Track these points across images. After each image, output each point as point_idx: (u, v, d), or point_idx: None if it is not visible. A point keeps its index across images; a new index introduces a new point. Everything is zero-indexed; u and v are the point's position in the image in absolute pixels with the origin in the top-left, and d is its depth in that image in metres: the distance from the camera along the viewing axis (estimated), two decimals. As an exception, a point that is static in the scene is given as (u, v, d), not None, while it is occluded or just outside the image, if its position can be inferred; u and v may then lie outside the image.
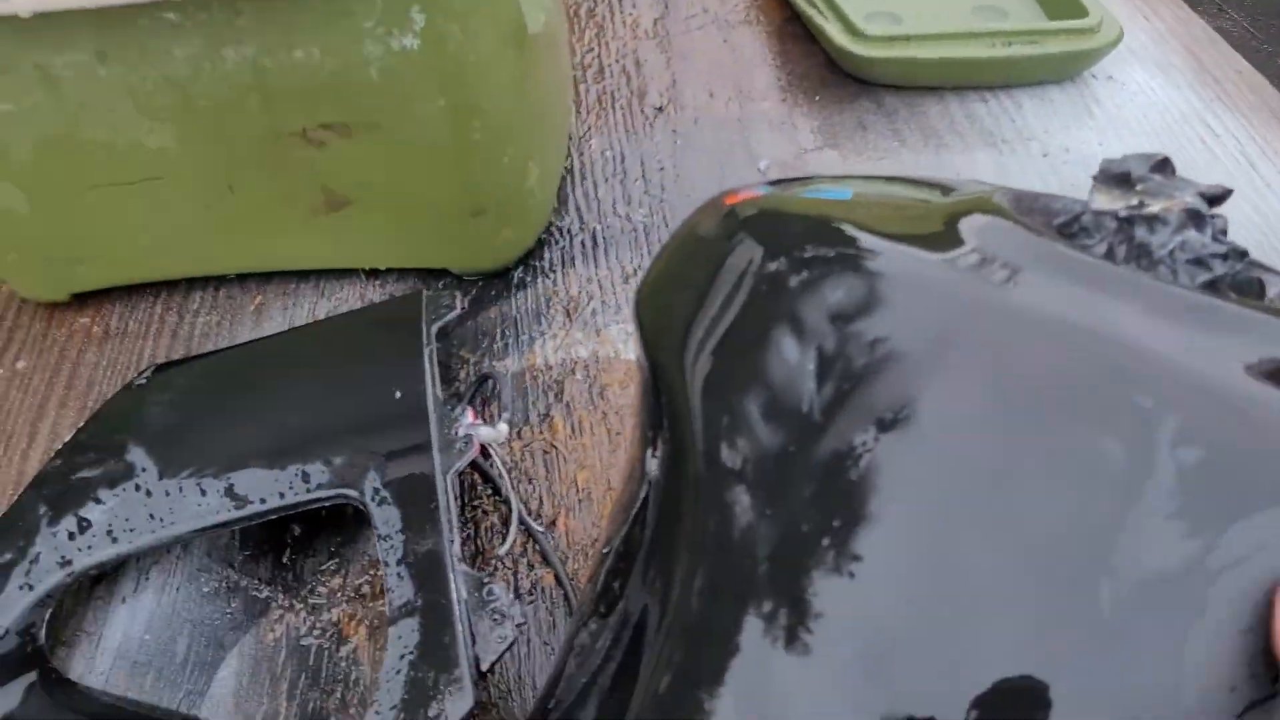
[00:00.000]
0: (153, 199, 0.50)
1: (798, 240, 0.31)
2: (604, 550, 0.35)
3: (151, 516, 0.41)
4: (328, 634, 0.42)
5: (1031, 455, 0.24)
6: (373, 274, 0.56)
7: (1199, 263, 0.29)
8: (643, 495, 0.32)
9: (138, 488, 0.42)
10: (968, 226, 0.29)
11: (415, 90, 0.46)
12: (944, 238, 0.29)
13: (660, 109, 0.66)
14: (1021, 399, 0.25)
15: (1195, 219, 0.30)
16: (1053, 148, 0.63)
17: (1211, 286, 0.29)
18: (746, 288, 0.30)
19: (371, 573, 0.44)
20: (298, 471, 0.42)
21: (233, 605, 0.43)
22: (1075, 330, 0.25)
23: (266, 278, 0.56)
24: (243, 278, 0.57)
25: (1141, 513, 0.22)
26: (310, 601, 0.43)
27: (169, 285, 0.57)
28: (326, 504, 0.41)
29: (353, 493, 0.41)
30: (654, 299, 0.35)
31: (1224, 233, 0.30)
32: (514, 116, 0.50)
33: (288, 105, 0.47)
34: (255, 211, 0.51)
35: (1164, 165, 0.32)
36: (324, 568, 0.44)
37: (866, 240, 0.29)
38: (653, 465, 0.32)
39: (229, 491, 0.41)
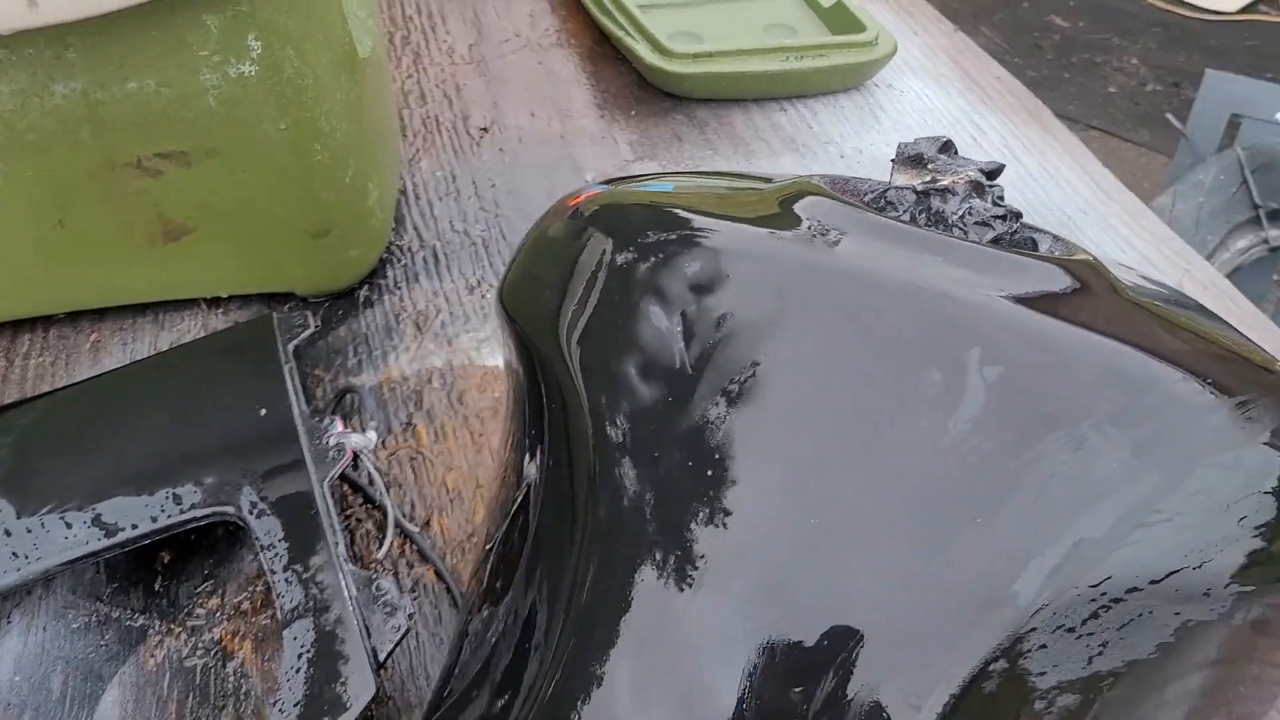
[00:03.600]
0: (-22, 238, 0.49)
1: (642, 226, 0.34)
2: (486, 547, 0.37)
3: (15, 555, 0.41)
4: (212, 653, 0.42)
5: (872, 390, 0.28)
6: (214, 303, 0.56)
7: (984, 224, 0.34)
8: (520, 497, 0.35)
9: (-4, 528, 0.41)
10: (796, 205, 0.34)
11: (255, 115, 0.47)
12: (777, 215, 0.33)
13: (485, 130, 0.69)
14: (858, 343, 0.29)
15: (978, 189, 0.35)
16: (848, 150, 0.70)
17: (996, 242, 0.34)
18: (605, 274, 0.33)
19: (250, 589, 0.44)
20: (168, 495, 0.42)
21: (107, 637, 0.43)
22: (897, 281, 0.29)
23: (100, 314, 0.56)
24: (74, 315, 0.56)
25: (962, 427, 0.27)
26: (189, 624, 0.43)
27: (-6, 329, 0.55)
28: (202, 523, 0.41)
29: (229, 509, 0.41)
30: (520, 299, 0.38)
31: (1001, 199, 0.36)
32: (352, 137, 0.51)
33: (122, 136, 0.47)
34: (89, 245, 0.51)
35: (948, 146, 0.38)
36: (200, 590, 0.44)
37: (706, 220, 0.33)
38: (531, 469, 0.34)
39: (97, 521, 0.41)
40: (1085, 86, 2.81)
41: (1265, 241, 1.47)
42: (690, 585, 0.27)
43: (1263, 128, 1.56)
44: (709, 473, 0.28)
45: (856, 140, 0.71)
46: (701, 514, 0.27)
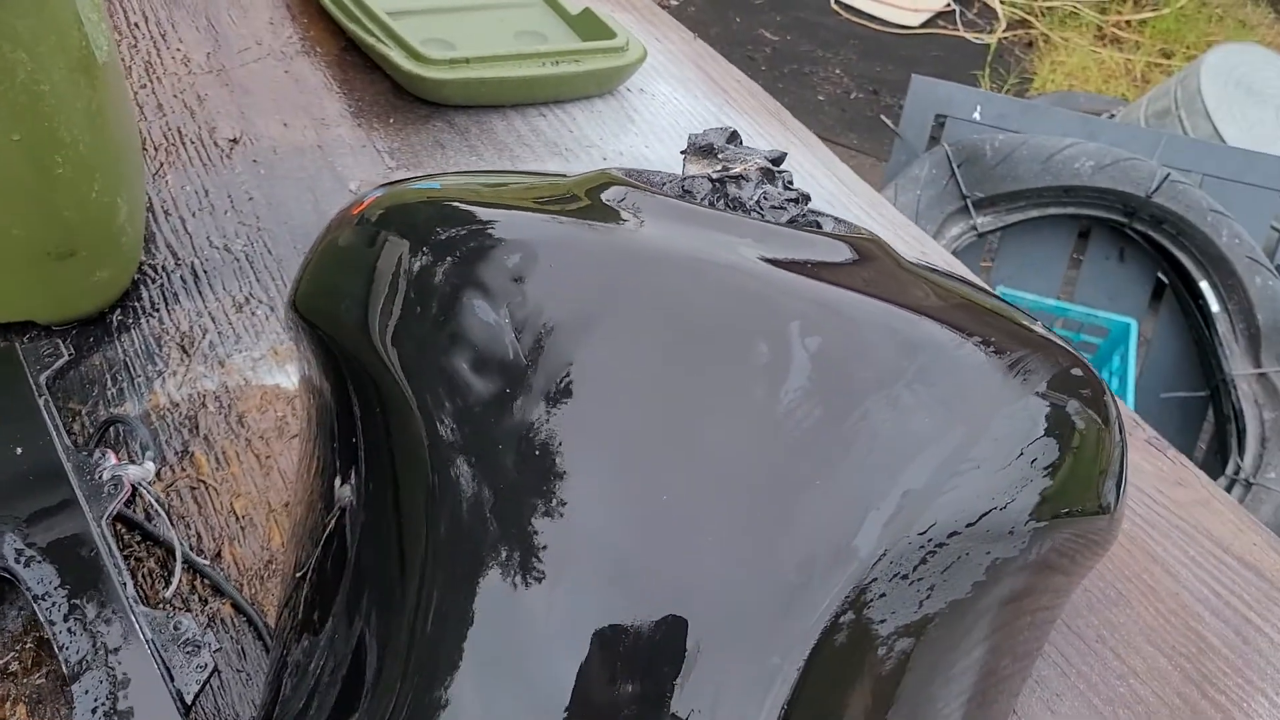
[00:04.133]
0: None
1: (443, 222, 0.34)
2: (297, 575, 0.35)
3: None
4: (-21, 724, 0.37)
5: (704, 368, 0.29)
6: (-63, 338, 0.50)
7: (779, 208, 0.36)
8: (333, 521, 0.33)
9: None
10: (604, 194, 0.34)
11: (-17, 126, 0.43)
12: (588, 205, 0.33)
13: (235, 141, 0.65)
14: (687, 325, 0.30)
15: (769, 175, 0.37)
16: (609, 152, 0.71)
17: (790, 223, 0.36)
18: (416, 273, 0.32)
19: (18, 647, 0.40)
20: (-89, 552, 0.37)
21: None
22: (719, 263, 0.30)
23: None
24: None
25: (790, 393, 0.28)
26: (-54, 696, 0.38)
27: None
28: (-42, 579, 0.37)
29: (-9, 560, 0.37)
30: (321, 308, 0.36)
31: (791, 184, 0.38)
32: (96, 149, 0.47)
33: None
34: None
35: (735, 136, 0.39)
36: (-45, 657, 0.39)
37: (521, 213, 0.33)
38: (345, 491, 0.33)
39: None
40: (798, 95, 3.00)
41: (974, 228, 1.63)
42: (545, 586, 0.26)
43: (964, 126, 1.73)
44: (553, 465, 0.28)
45: (616, 142, 0.73)
46: (550, 511, 0.27)
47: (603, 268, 0.30)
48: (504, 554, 0.27)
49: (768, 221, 0.35)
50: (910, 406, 0.28)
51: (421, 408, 0.29)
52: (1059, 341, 0.35)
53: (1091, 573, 0.47)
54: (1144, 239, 1.66)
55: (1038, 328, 0.36)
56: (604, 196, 0.33)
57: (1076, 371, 0.34)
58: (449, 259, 0.31)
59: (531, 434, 0.28)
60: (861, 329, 0.29)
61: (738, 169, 0.37)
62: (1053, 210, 1.63)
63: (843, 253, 0.33)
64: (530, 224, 0.31)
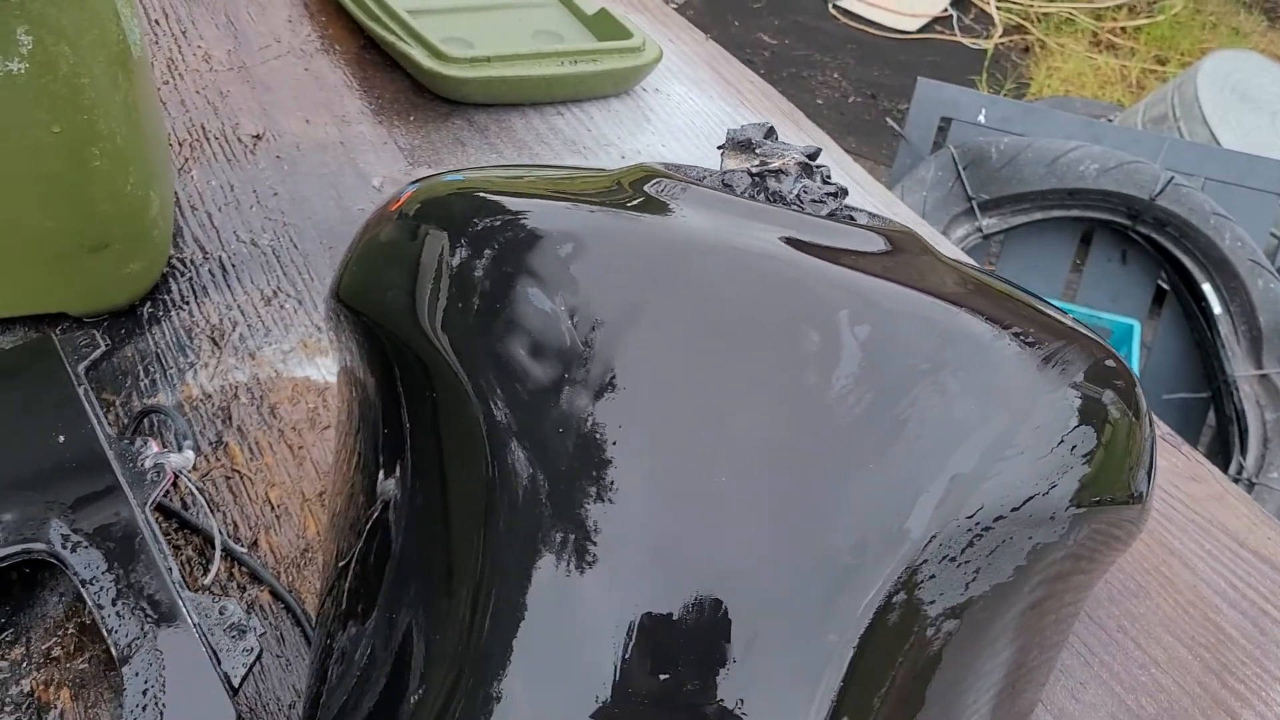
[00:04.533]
0: None
1: (490, 212, 0.34)
2: (339, 564, 0.35)
3: None
4: (23, 707, 0.38)
5: (759, 355, 0.30)
6: (-30, 328, 0.50)
7: (819, 201, 0.37)
8: (379, 507, 0.33)
9: None
10: (647, 186, 0.35)
11: (24, 118, 0.43)
12: (632, 196, 0.34)
13: (258, 137, 0.65)
14: (741, 312, 0.30)
15: (807, 170, 0.38)
16: (627, 151, 0.72)
17: (830, 216, 0.37)
18: (475, 261, 0.33)
19: (60, 633, 0.40)
20: (-42, 537, 0.37)
21: (-110, 707, 0.37)
22: (769, 254, 0.31)
23: None
24: None
25: (841, 379, 0.29)
26: (-9, 680, 0.38)
27: None
28: (5, 563, 0.37)
29: (38, 545, 0.38)
30: (367, 298, 0.37)
31: (829, 178, 0.38)
32: (131, 142, 0.48)
33: None
34: None
35: (771, 132, 0.40)
36: (-2, 641, 0.40)
37: (568, 203, 0.34)
38: (391, 480, 0.33)
39: (-128, 575, 0.36)
40: (796, 98, 3.00)
41: (979, 230, 1.64)
42: (610, 573, 0.27)
43: (969, 129, 1.74)
44: (608, 450, 0.28)
45: (633, 141, 0.73)
46: (609, 497, 0.28)
47: (654, 257, 0.31)
48: (563, 541, 0.27)
49: (809, 214, 0.35)
50: (956, 394, 0.29)
51: (477, 392, 0.30)
52: (1092, 334, 0.36)
53: (1112, 565, 0.48)
54: (1147, 241, 1.67)
55: (1069, 320, 0.37)
56: (648, 188, 0.34)
57: (1110, 363, 0.34)
58: (500, 248, 0.32)
59: (588, 419, 0.28)
60: (907, 319, 0.30)
61: (776, 163, 0.38)
62: (1057, 213, 1.65)
63: (885, 245, 0.34)
64: (580, 215, 0.32)
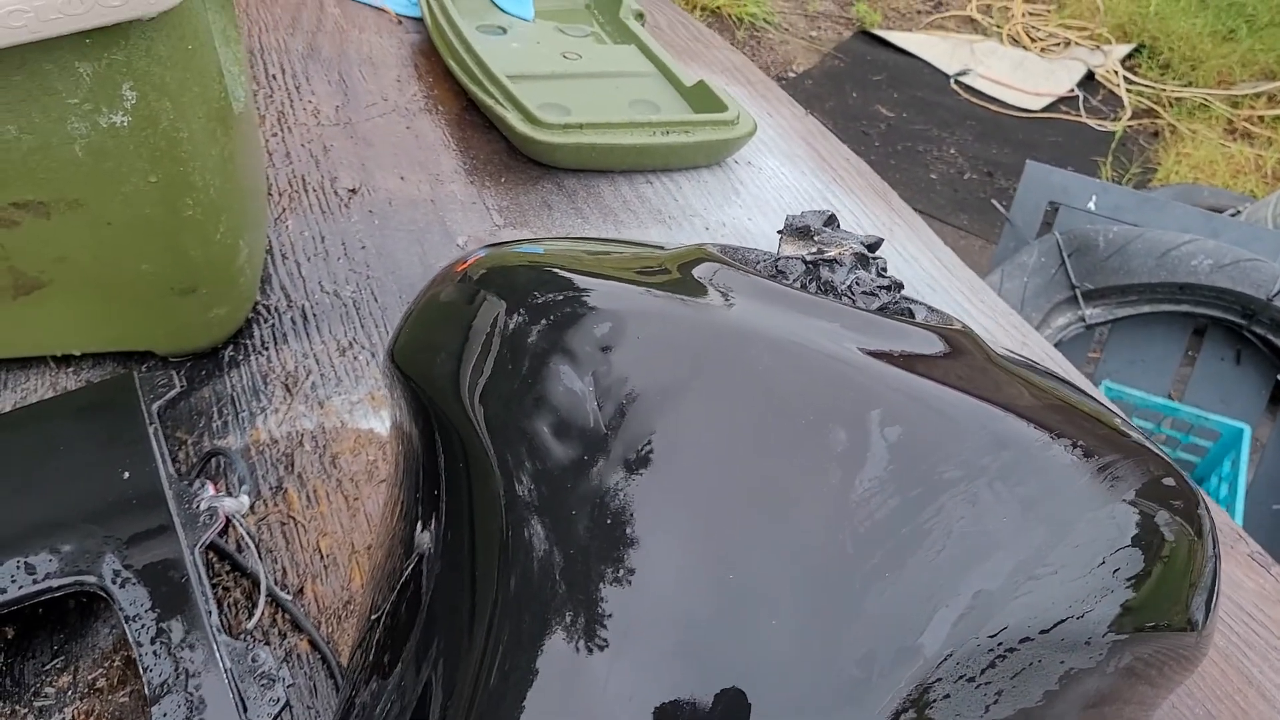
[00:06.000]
0: None
1: (548, 288, 0.35)
2: (372, 617, 0.36)
3: None
4: (63, 735, 0.39)
5: (780, 450, 0.29)
6: (65, 360, 0.53)
7: (870, 294, 0.36)
8: (411, 567, 0.34)
9: None
10: (695, 270, 0.35)
11: (125, 167, 0.46)
12: (678, 279, 0.34)
13: (354, 191, 0.68)
14: (765, 405, 0.30)
15: (863, 261, 0.38)
16: (711, 222, 0.72)
17: (881, 310, 0.36)
18: (511, 336, 0.33)
19: (106, 664, 0.41)
20: (19, 564, 0.39)
21: (-59, 722, 0.39)
22: (800, 346, 0.31)
23: (-66, 372, 0.52)
24: (-97, 373, 0.52)
25: (867, 485, 0.28)
26: (36, 705, 0.40)
27: None
28: (59, 593, 0.39)
29: (90, 578, 0.39)
30: (416, 360, 0.37)
31: (885, 270, 0.38)
32: (224, 193, 0.50)
33: (-25, 184, 0.44)
34: (-73, 299, 0.48)
35: (832, 220, 0.40)
36: (48, 668, 0.41)
37: (609, 283, 0.34)
38: (425, 539, 0.34)
39: (-63, 594, 0.38)
40: (909, 173, 2.99)
41: (1082, 320, 1.59)
42: (608, 653, 0.27)
43: (1077, 215, 1.69)
44: (625, 534, 0.28)
45: (719, 213, 0.74)
46: (618, 579, 0.28)
47: (685, 343, 0.31)
48: (569, 618, 0.27)
49: (858, 308, 0.35)
50: (989, 505, 0.28)
51: (501, 466, 0.30)
52: (1153, 448, 0.34)
53: (1180, 689, 0.45)
54: (1262, 342, 1.59)
55: (1134, 433, 0.35)
56: (695, 272, 0.34)
57: (1169, 481, 0.33)
58: (538, 323, 0.32)
59: (605, 502, 0.28)
60: (943, 422, 0.29)
61: (832, 252, 0.38)
62: (1166, 307, 1.58)
63: (931, 343, 0.33)
64: (617, 295, 0.32)
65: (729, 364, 0.30)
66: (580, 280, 0.34)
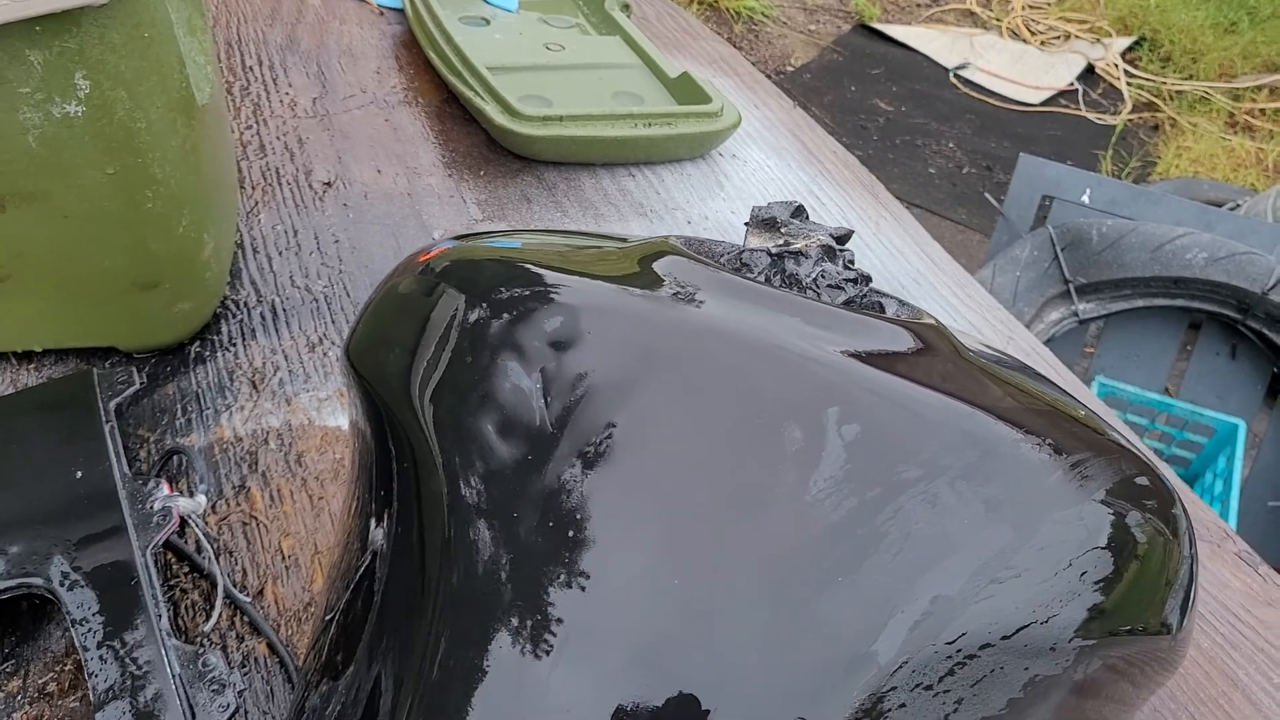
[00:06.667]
0: None
1: (499, 282, 0.33)
2: (326, 618, 0.35)
3: None
4: (11, 741, 0.38)
5: (733, 449, 0.28)
6: (26, 357, 0.52)
7: (836, 287, 0.35)
8: (364, 565, 0.33)
9: None
10: (655, 264, 0.34)
11: (80, 159, 0.45)
12: (636, 273, 0.33)
13: (329, 184, 0.67)
14: (718, 402, 0.29)
15: (830, 253, 0.36)
16: (694, 216, 0.71)
17: (847, 304, 0.35)
18: (459, 331, 0.32)
19: (58, 669, 0.40)
20: (-35, 565, 0.38)
21: (-115, 728, 0.38)
22: (756, 341, 0.30)
23: (-108, 369, 0.51)
24: None
25: (823, 485, 0.27)
26: (-15, 710, 0.39)
27: None
28: (4, 596, 0.38)
29: (36, 580, 0.38)
30: (369, 356, 0.36)
31: (852, 263, 0.37)
32: (187, 186, 0.49)
33: (-74, 176, 0.43)
34: (-118, 294, 0.47)
35: (800, 211, 0.39)
36: (-2, 671, 0.40)
37: (563, 276, 0.33)
38: (378, 536, 0.33)
39: (-121, 597, 0.37)
40: (908, 167, 2.97)
41: (1075, 314, 1.58)
42: (549, 655, 0.26)
43: (1071, 208, 1.68)
44: (569, 535, 0.27)
45: (702, 206, 0.72)
46: (561, 580, 0.27)
47: (635, 340, 0.29)
48: (510, 619, 0.26)
49: (822, 301, 0.34)
50: (950, 505, 0.27)
51: (446, 464, 0.29)
52: (1129, 445, 0.33)
53: (1162, 692, 0.44)
54: (1258, 336, 1.58)
55: (1110, 430, 0.34)
56: (655, 266, 0.33)
57: (1142, 480, 0.32)
58: (488, 319, 0.31)
59: (549, 501, 0.27)
60: (904, 419, 0.28)
61: (798, 244, 0.36)
62: (1160, 301, 1.57)
63: (896, 338, 0.32)
64: (570, 289, 0.31)
65: (680, 361, 0.29)
66: (535, 274, 0.33)
